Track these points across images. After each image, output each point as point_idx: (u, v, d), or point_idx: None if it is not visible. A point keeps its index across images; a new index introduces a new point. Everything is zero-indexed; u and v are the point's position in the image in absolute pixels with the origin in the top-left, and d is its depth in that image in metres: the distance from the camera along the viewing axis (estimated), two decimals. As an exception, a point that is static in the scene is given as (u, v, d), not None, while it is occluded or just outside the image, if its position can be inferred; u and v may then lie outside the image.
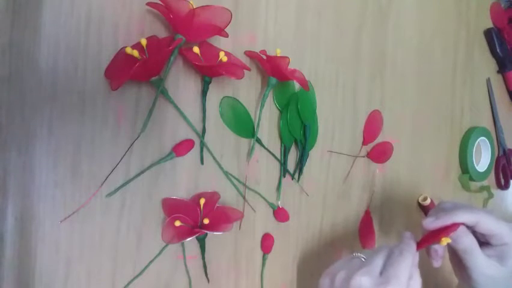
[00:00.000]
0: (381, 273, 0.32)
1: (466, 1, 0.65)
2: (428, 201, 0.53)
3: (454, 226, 0.35)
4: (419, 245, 0.34)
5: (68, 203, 0.30)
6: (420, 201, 0.55)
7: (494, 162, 0.70)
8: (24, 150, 0.29)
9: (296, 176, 0.43)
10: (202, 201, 0.35)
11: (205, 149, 0.37)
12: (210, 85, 0.36)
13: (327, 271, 0.35)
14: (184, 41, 0.33)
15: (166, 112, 0.35)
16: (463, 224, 0.35)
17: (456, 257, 0.37)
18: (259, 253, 0.41)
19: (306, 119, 0.42)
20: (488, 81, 0.69)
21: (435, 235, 0.35)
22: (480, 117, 0.68)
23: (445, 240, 0.33)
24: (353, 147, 0.49)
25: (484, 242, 0.37)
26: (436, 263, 0.38)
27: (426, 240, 0.35)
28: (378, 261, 0.33)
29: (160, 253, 0.34)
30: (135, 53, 0.30)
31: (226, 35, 0.34)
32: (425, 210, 0.55)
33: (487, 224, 0.35)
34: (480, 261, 0.35)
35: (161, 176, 0.34)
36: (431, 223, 0.36)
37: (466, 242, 0.35)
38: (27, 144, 0.29)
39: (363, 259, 0.34)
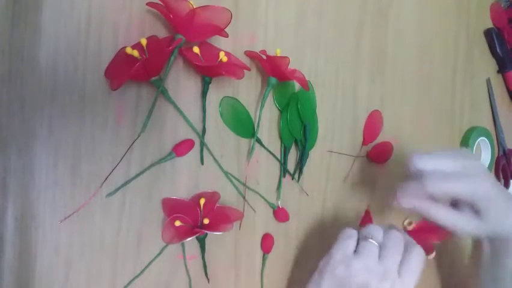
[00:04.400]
0: (399, 273, 0.32)
1: (466, 1, 0.65)
2: (413, 226, 0.46)
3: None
4: None
5: (68, 203, 0.30)
6: (405, 225, 0.47)
7: (494, 162, 0.70)
8: (24, 150, 0.29)
9: (296, 176, 0.43)
10: (202, 201, 0.35)
11: (205, 149, 0.37)
12: (210, 85, 0.36)
13: (338, 256, 0.34)
14: (184, 41, 0.33)
15: (166, 112, 0.35)
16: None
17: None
18: (259, 253, 0.41)
19: (306, 119, 0.42)
20: (488, 81, 0.69)
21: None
22: (480, 117, 0.68)
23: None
24: (353, 147, 0.49)
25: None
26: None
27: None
28: (395, 262, 0.33)
29: (160, 253, 0.34)
30: (135, 53, 0.30)
31: (226, 35, 0.34)
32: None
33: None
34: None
35: (161, 176, 0.34)
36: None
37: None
38: (27, 144, 0.29)
39: (374, 243, 0.34)
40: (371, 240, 0.34)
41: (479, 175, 0.37)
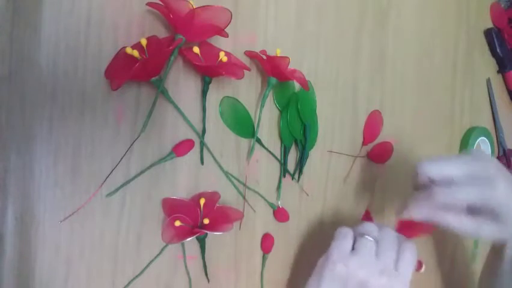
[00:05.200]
0: (395, 268, 0.33)
1: (466, 1, 0.65)
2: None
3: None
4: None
5: (68, 203, 0.30)
6: None
7: (494, 162, 0.70)
8: (24, 150, 0.29)
9: (296, 176, 0.43)
10: (202, 201, 0.35)
11: (205, 149, 0.37)
12: (210, 85, 0.36)
13: (335, 255, 0.34)
14: (184, 41, 0.33)
15: (166, 112, 0.35)
16: None
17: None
18: (259, 253, 0.41)
19: (306, 119, 0.42)
20: (488, 81, 0.69)
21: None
22: (480, 117, 0.68)
23: None
24: (353, 147, 0.49)
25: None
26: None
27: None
28: (391, 257, 0.33)
29: (160, 253, 0.34)
30: (135, 53, 0.30)
31: (226, 35, 0.34)
32: None
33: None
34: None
35: (161, 176, 0.34)
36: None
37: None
38: (27, 144, 0.29)
39: (370, 240, 0.34)
40: (367, 236, 0.34)
41: (491, 178, 0.35)
